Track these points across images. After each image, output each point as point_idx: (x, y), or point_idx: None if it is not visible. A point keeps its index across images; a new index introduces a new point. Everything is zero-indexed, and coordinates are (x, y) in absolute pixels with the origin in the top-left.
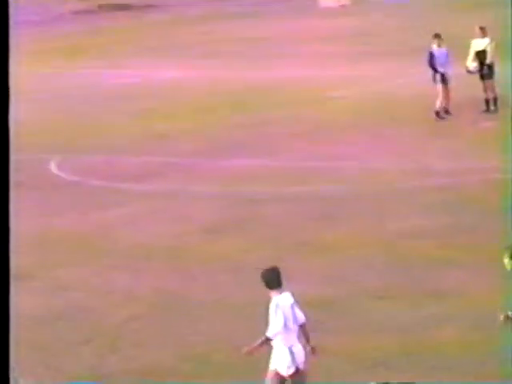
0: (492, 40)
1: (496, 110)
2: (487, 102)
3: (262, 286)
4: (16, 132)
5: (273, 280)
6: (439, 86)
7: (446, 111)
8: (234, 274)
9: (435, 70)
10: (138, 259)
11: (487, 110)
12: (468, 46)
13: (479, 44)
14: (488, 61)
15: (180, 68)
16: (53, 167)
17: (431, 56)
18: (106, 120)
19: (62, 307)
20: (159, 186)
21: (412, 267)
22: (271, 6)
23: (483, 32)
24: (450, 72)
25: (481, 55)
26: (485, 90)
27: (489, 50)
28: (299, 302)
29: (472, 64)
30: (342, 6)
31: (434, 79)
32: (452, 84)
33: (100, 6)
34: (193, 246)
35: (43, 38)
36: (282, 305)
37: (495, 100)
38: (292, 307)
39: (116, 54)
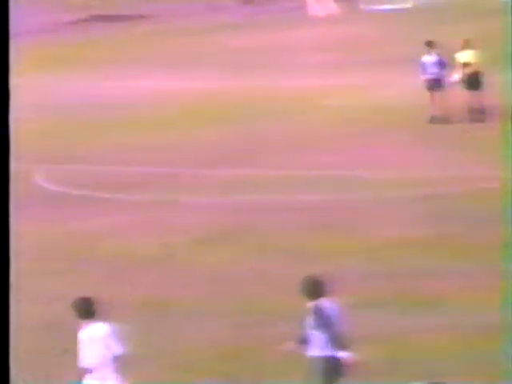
0: (477, 51)
1: (483, 120)
2: (471, 111)
3: (247, 295)
4: None
5: (86, 310)
6: (429, 94)
7: (434, 118)
8: (220, 284)
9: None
10: (122, 269)
11: (472, 119)
12: (456, 55)
13: (464, 56)
14: (469, 71)
15: (168, 79)
16: (38, 178)
17: (422, 64)
18: (91, 130)
19: (47, 317)
20: (145, 196)
21: (396, 276)
22: (259, 16)
23: (467, 44)
24: (444, 79)
25: (466, 67)
26: (470, 100)
27: (473, 61)
28: (284, 309)
29: (454, 75)
30: (331, 15)
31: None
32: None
33: (91, 17)
34: (179, 256)
35: (27, 47)
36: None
37: (482, 110)
38: (105, 338)
39: (103, 65)
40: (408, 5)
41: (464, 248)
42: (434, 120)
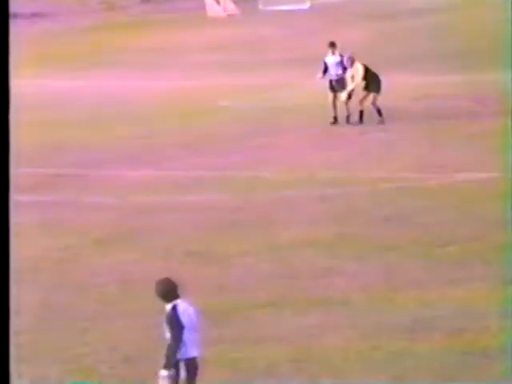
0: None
1: (382, 122)
2: (361, 113)
3: (150, 297)
4: None
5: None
6: (331, 95)
7: (335, 119)
8: (123, 286)
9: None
10: (24, 272)
11: (360, 121)
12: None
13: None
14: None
15: (69, 78)
16: None
17: (324, 65)
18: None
19: None
20: (49, 197)
21: (297, 276)
22: (159, 15)
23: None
24: (346, 80)
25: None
26: (360, 102)
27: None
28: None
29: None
30: (230, 16)
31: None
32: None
33: None
34: (82, 257)
35: None
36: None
37: (379, 111)
38: None
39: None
40: (305, 5)
41: (364, 248)
42: (336, 121)
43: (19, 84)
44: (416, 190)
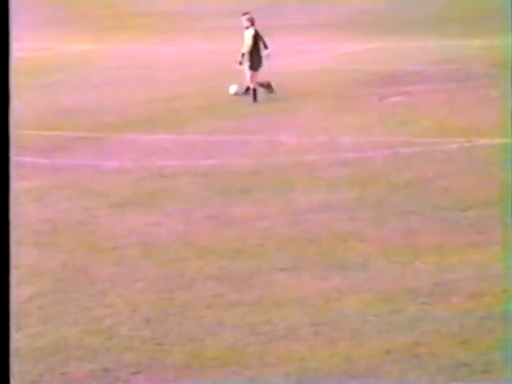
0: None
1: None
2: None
3: (170, 259)
4: None
5: None
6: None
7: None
8: (143, 248)
9: None
10: (44, 234)
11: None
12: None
13: (246, 34)
14: (244, 50)
15: (87, 41)
16: None
17: None
18: (12, 93)
19: None
20: (67, 160)
21: (316, 240)
22: None
23: (249, 22)
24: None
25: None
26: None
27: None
28: (204, 275)
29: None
30: None
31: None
32: None
33: None
34: (101, 220)
35: None
36: None
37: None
38: None
39: (20, 26)
40: None
41: (385, 212)
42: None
43: (39, 47)
44: (436, 154)
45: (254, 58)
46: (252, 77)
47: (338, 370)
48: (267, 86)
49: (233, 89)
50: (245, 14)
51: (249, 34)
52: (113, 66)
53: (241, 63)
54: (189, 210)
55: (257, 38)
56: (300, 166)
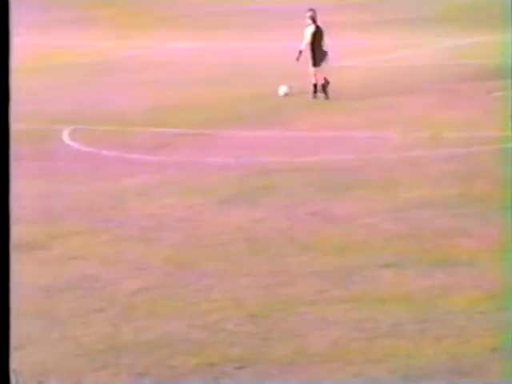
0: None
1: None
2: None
3: (274, 255)
4: (27, 102)
5: None
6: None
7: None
8: (248, 244)
9: None
10: (149, 230)
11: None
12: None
13: (306, 31)
14: (302, 47)
15: (190, 39)
16: (65, 137)
17: None
18: (117, 91)
19: (74, 277)
20: (171, 156)
21: (421, 236)
22: None
23: (311, 19)
24: None
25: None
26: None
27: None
28: (307, 271)
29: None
30: None
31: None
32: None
33: None
34: (205, 216)
35: (51, 8)
36: None
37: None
38: None
39: (126, 25)
40: None
41: (489, 208)
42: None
43: (144, 45)
44: None
45: (316, 54)
46: (315, 73)
47: (443, 367)
48: (323, 88)
49: (282, 90)
50: (310, 10)
51: (309, 31)
52: (215, 64)
53: (298, 59)
54: (292, 207)
55: (316, 34)
56: (404, 161)
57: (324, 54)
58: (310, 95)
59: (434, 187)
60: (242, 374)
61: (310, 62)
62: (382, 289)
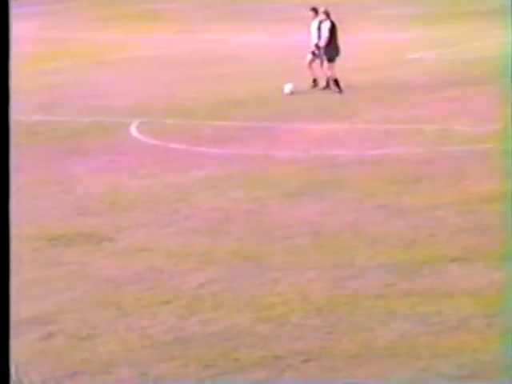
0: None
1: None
2: (327, 80)
3: (341, 248)
4: (95, 95)
5: None
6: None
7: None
8: (314, 238)
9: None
10: (216, 222)
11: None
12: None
13: (323, 28)
14: (322, 43)
15: (257, 32)
16: (132, 130)
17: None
18: (183, 84)
19: (141, 269)
20: (238, 150)
21: (489, 229)
22: None
23: (325, 15)
24: None
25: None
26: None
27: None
28: (375, 264)
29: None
30: None
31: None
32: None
33: None
34: (272, 209)
35: (116, 2)
36: None
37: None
38: None
39: (193, 19)
40: None
41: None
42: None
43: (210, 38)
44: None
45: (332, 50)
46: (329, 68)
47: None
48: (327, 84)
49: (287, 88)
50: (321, 8)
51: (325, 26)
52: (279, 57)
53: (314, 54)
54: (360, 200)
55: (333, 30)
56: (473, 154)
57: (339, 50)
58: (320, 88)
59: (502, 180)
60: (307, 368)
61: (323, 57)
62: (450, 283)
